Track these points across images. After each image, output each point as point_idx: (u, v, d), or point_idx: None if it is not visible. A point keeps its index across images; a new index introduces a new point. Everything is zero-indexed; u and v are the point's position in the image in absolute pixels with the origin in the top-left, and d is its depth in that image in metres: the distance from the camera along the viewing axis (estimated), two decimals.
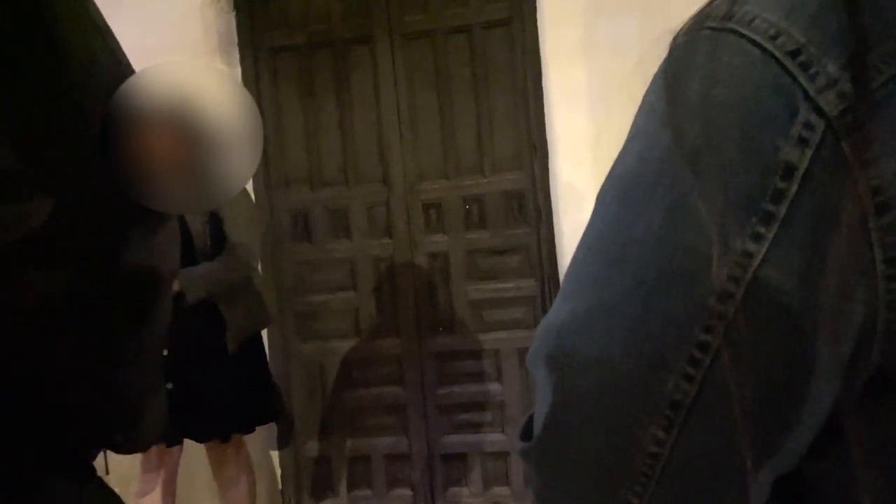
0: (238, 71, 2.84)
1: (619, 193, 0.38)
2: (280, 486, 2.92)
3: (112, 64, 0.48)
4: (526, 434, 0.43)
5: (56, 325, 0.46)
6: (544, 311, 2.73)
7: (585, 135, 2.60)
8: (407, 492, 2.88)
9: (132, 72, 0.48)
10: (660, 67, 0.39)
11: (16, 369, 0.45)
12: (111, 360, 0.50)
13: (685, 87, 0.34)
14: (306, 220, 2.92)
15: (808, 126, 0.30)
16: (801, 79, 0.31)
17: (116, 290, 0.48)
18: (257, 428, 2.36)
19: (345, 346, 2.90)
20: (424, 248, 2.84)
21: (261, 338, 2.36)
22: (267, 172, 2.88)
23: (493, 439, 2.83)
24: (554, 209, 2.68)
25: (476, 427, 2.84)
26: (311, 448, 2.94)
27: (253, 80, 2.86)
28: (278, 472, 2.92)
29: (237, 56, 2.84)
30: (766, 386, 0.33)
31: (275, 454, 2.90)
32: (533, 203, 2.75)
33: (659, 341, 0.35)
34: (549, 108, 2.66)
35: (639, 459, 0.36)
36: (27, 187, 0.42)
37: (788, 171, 0.31)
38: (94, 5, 0.48)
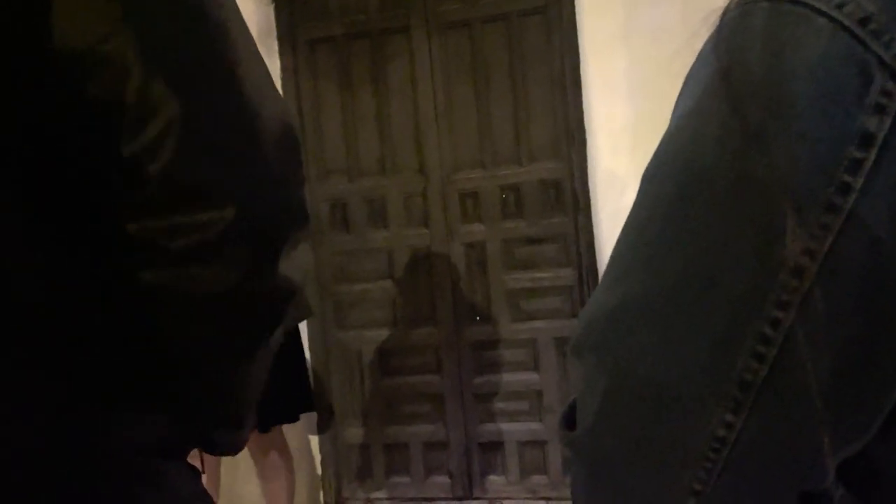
0: (277, 63, 2.87)
1: (672, 171, 0.37)
2: (319, 472, 2.97)
3: (278, 99, 0.56)
4: (569, 423, 0.42)
5: (214, 320, 0.52)
6: (582, 301, 2.72)
7: (625, 122, 2.57)
8: (444, 479, 2.91)
9: (288, 106, 0.56)
10: (707, 43, 0.38)
11: (164, 360, 0.51)
12: (246, 359, 0.57)
13: (743, 60, 0.34)
14: (344, 210, 2.95)
15: (885, 93, 0.30)
16: (875, 46, 0.30)
17: (265, 296, 0.54)
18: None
19: (382, 334, 2.93)
20: (461, 237, 2.85)
21: (298, 329, 2.41)
22: (305, 163, 2.92)
23: (531, 428, 2.83)
24: (592, 198, 2.65)
25: (513, 416, 2.85)
26: (350, 435, 2.98)
27: (291, 72, 2.90)
28: (318, 458, 2.97)
29: (276, 48, 2.88)
30: (843, 363, 0.32)
31: (314, 440, 2.95)
32: (570, 192, 2.73)
33: (726, 320, 0.34)
34: (587, 96, 2.64)
35: (704, 444, 0.35)
36: (215, 198, 0.48)
37: (865, 140, 0.30)
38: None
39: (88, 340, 0.49)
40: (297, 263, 0.55)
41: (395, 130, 2.89)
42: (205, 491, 0.60)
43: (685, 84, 0.40)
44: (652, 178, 0.39)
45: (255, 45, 0.55)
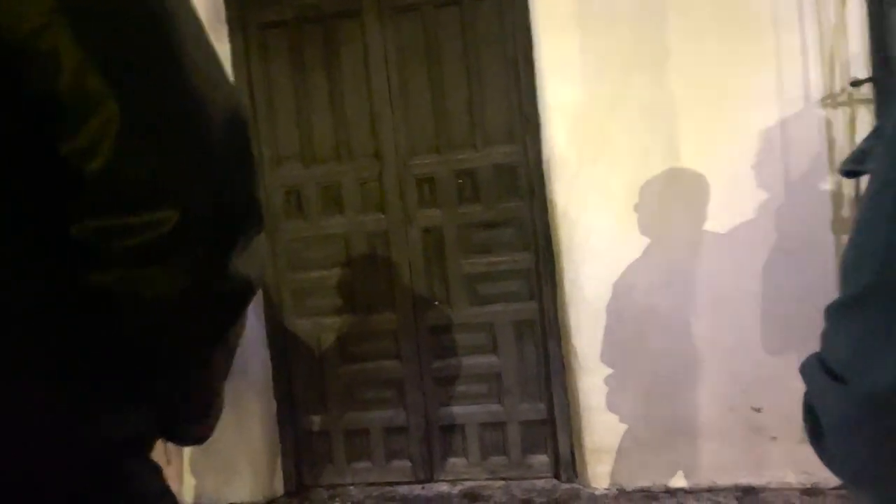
0: (227, 48, 2.81)
1: None
2: (280, 460, 2.95)
3: (229, 91, 0.54)
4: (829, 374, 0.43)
5: (167, 321, 0.51)
6: (539, 284, 2.75)
7: (578, 106, 2.59)
8: (406, 463, 2.92)
9: (241, 99, 0.55)
10: None
11: (125, 358, 0.50)
12: (205, 355, 0.56)
13: None
14: (299, 196, 2.92)
15: None
16: None
17: (218, 295, 0.53)
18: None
19: (341, 321, 2.92)
20: (418, 222, 2.85)
21: None
22: (259, 150, 2.87)
23: (490, 410, 2.86)
24: (547, 181, 2.68)
25: (473, 398, 2.87)
26: (311, 422, 2.97)
27: (242, 56, 2.84)
28: (279, 446, 2.95)
29: (226, 33, 2.82)
30: None
31: (274, 429, 2.93)
32: (525, 175, 2.75)
33: None
34: (541, 79, 2.65)
35: None
36: (156, 199, 0.47)
37: None
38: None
39: (52, 341, 0.48)
40: (251, 260, 0.54)
41: (349, 116, 2.86)
42: (167, 487, 0.59)
43: None
44: None
45: (204, 32, 0.53)
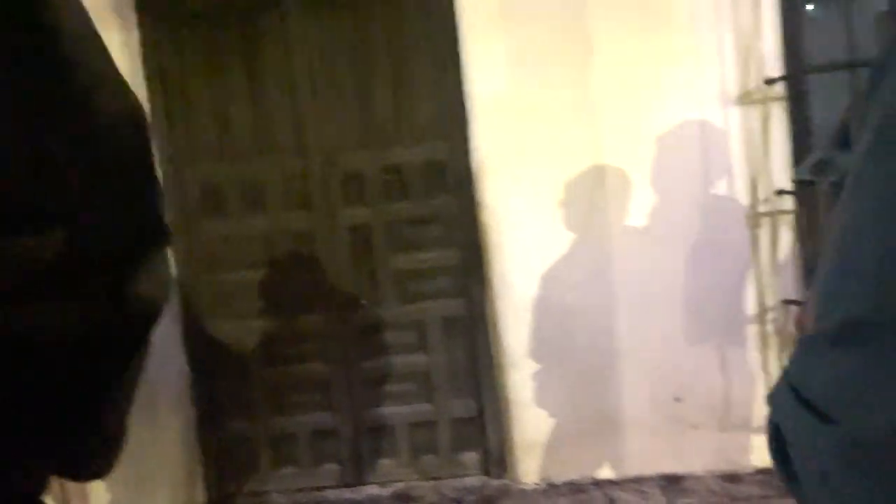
0: (136, 37, 2.66)
1: None
2: (201, 470, 2.83)
3: (120, 91, 0.47)
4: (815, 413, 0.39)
5: (66, 355, 0.44)
6: (467, 280, 2.74)
7: (505, 103, 2.59)
8: (334, 467, 2.86)
9: (137, 99, 0.48)
10: None
11: (22, 399, 0.43)
12: (108, 388, 0.50)
13: None
14: (218, 194, 2.80)
15: None
16: None
17: (118, 324, 0.46)
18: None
19: (265, 323, 2.82)
20: (345, 220, 2.78)
21: None
22: (175, 145, 2.73)
23: (419, 409, 2.83)
24: (475, 178, 2.66)
25: (402, 398, 2.83)
26: (234, 429, 2.86)
27: (153, 47, 2.69)
28: (199, 454, 2.83)
29: (135, 21, 2.66)
30: None
31: (194, 436, 2.81)
32: (454, 172, 2.72)
33: None
34: (467, 75, 2.63)
35: None
36: (36, 222, 0.40)
37: None
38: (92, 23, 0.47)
39: None
40: (155, 280, 0.48)
41: (271, 110, 2.76)
42: None
43: None
44: None
45: (95, 31, 0.46)
